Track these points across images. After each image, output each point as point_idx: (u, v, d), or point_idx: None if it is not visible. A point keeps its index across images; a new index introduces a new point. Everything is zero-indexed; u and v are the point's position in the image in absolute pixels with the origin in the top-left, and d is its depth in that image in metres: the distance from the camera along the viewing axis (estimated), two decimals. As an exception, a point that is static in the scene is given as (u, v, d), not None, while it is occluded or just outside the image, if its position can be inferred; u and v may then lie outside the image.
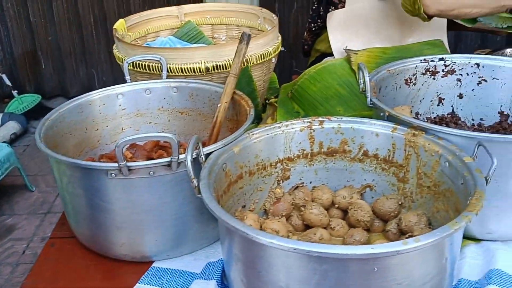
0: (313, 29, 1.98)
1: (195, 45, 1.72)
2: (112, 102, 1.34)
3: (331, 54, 1.86)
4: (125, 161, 0.97)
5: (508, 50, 1.78)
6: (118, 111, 1.36)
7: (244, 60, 1.38)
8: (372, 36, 1.79)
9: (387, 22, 1.65)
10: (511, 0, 1.55)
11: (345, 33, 1.80)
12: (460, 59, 1.41)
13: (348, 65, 1.59)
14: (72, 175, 1.06)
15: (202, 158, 1.00)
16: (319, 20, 1.93)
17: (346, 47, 1.72)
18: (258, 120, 1.52)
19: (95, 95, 1.32)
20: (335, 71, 1.57)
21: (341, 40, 1.81)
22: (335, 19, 1.82)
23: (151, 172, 1.00)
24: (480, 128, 1.42)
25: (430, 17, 1.61)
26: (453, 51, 3.31)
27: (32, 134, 3.27)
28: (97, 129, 1.34)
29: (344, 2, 1.81)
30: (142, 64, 1.41)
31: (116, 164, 0.97)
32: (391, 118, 1.13)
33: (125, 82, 1.39)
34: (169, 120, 1.39)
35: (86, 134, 1.32)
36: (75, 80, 3.37)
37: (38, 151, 2.93)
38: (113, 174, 0.99)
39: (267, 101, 1.62)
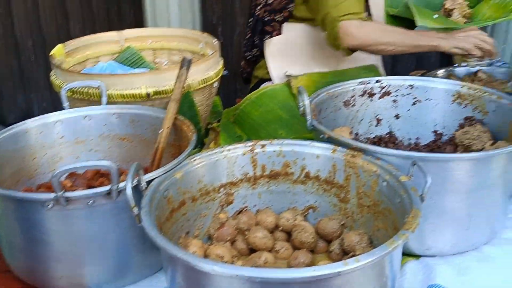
0: (248, 57, 2.01)
1: (136, 70, 1.71)
2: (50, 130, 1.31)
3: (269, 80, 1.89)
4: (63, 191, 0.94)
5: (440, 71, 1.87)
6: (57, 139, 1.32)
7: (185, 85, 1.38)
8: (310, 62, 1.83)
9: (323, 48, 1.71)
10: (443, 41, 1.62)
11: (283, 60, 1.83)
12: (395, 81, 1.46)
13: (288, 89, 1.62)
14: (7, 206, 1.02)
15: (143, 185, 0.98)
16: (254, 49, 1.96)
17: (286, 72, 1.75)
18: (201, 145, 1.52)
19: (32, 123, 1.28)
20: (276, 96, 1.60)
21: (280, 67, 1.84)
22: (272, 46, 1.86)
23: (90, 202, 0.97)
24: (416, 147, 1.48)
25: (352, 50, 1.67)
26: (390, 72, 3.44)
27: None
28: (35, 158, 1.30)
29: (279, 30, 1.85)
30: (81, 91, 1.38)
31: (52, 195, 0.94)
32: (331, 140, 1.16)
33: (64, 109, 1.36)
34: (110, 147, 1.37)
35: (23, 164, 1.27)
36: (13, 106, 3.26)
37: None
38: (50, 205, 0.96)
39: (209, 126, 1.62)
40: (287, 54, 1.83)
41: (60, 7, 3.08)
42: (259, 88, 1.66)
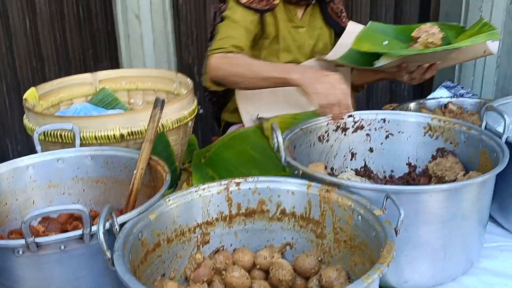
0: (214, 99, 2.02)
1: (111, 111, 1.71)
2: (22, 174, 1.29)
3: (236, 123, 1.89)
4: (33, 236, 0.92)
5: (411, 104, 1.90)
6: (29, 184, 1.30)
7: (160, 125, 1.38)
8: (282, 104, 1.80)
9: (292, 89, 1.70)
10: (300, 78, 1.49)
11: (254, 104, 1.82)
12: (367, 115, 1.48)
13: (260, 131, 1.62)
14: (-25, 255, 0.99)
15: (116, 228, 0.97)
16: (220, 91, 1.89)
17: (258, 115, 1.73)
18: (175, 186, 1.51)
19: (3, 168, 1.26)
20: (248, 138, 1.61)
21: (251, 111, 1.82)
22: (242, 91, 1.83)
23: (62, 247, 0.95)
24: (391, 179, 1.49)
25: (216, 84, 1.69)
26: (365, 107, 3.49)
27: None
28: (6, 204, 1.27)
29: None
30: (54, 133, 1.37)
31: (23, 241, 0.92)
32: (305, 176, 1.16)
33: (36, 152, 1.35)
34: (83, 190, 1.35)
35: (-7, 210, 1.25)
36: (-15, 151, 3.21)
37: None
38: (20, 252, 0.94)
39: (181, 167, 1.61)
40: (258, 99, 1.82)
41: (35, 50, 3.08)
42: (232, 131, 1.67)
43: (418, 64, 1.66)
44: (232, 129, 1.86)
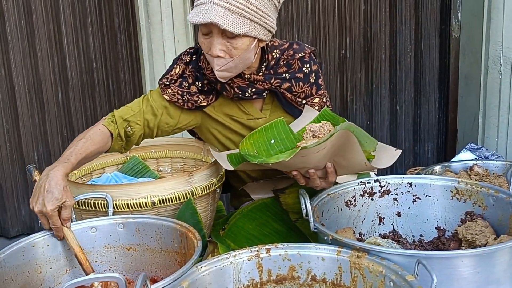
0: None
1: (141, 179, 1.76)
2: (56, 243, 1.32)
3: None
4: (70, 306, 0.94)
5: (437, 167, 1.92)
6: (63, 252, 1.33)
7: (188, 191, 1.42)
8: None
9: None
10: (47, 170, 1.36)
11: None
12: (394, 180, 1.50)
13: (277, 203, 1.60)
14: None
15: (150, 296, 0.98)
16: None
17: (274, 187, 1.66)
18: (202, 256, 1.50)
19: (39, 237, 1.30)
20: (269, 209, 1.60)
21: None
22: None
23: (97, 316, 0.97)
24: (421, 244, 1.48)
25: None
26: (389, 169, 3.49)
27: (-33, 279, 3.09)
28: (40, 272, 1.30)
29: None
30: (87, 202, 1.41)
31: (60, 311, 0.94)
32: (335, 242, 1.17)
33: (70, 221, 1.38)
34: (115, 257, 1.37)
35: (28, 278, 1.27)
36: (16, 219, 3.27)
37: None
38: (57, 321, 0.95)
39: (208, 239, 1.58)
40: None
41: (66, 120, 3.20)
42: (251, 202, 1.66)
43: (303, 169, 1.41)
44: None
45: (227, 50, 1.48)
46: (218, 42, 1.47)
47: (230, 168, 1.47)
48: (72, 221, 1.34)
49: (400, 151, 1.47)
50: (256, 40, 1.51)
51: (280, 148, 1.50)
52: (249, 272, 1.16)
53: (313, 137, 1.45)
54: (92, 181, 1.75)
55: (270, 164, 1.35)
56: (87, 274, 1.22)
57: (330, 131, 1.44)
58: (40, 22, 3.03)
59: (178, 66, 1.66)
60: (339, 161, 1.36)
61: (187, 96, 1.63)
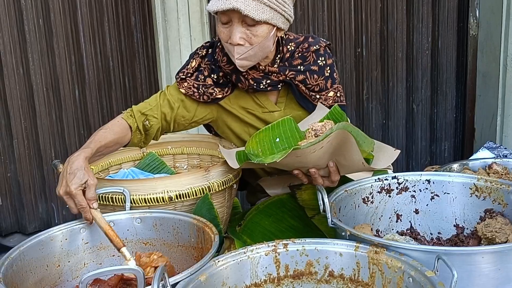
0: None
1: (157, 175, 1.76)
2: (75, 236, 1.33)
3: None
4: (89, 297, 0.95)
5: (455, 166, 1.89)
6: (81, 246, 1.34)
7: (204, 187, 1.42)
8: None
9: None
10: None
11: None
12: (411, 177, 1.48)
13: (294, 200, 1.59)
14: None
15: (168, 289, 0.98)
16: None
17: (290, 183, 1.64)
18: (218, 252, 1.50)
19: (57, 230, 1.31)
20: (285, 205, 1.59)
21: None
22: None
23: (116, 308, 0.97)
24: (439, 241, 1.47)
25: None
26: (405, 167, 3.46)
27: (-14, 274, 3.12)
28: (58, 265, 1.31)
29: None
30: (105, 197, 1.42)
31: (80, 302, 0.95)
32: (352, 237, 1.16)
33: (88, 215, 1.39)
34: (132, 252, 1.37)
35: (47, 271, 1.28)
36: (33, 216, 3.30)
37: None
38: (76, 313, 0.96)
39: (224, 235, 1.57)
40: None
41: (83, 118, 3.22)
42: (267, 198, 1.66)
43: (303, 168, 1.40)
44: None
45: (247, 38, 1.49)
46: (238, 30, 1.48)
47: (236, 166, 1.48)
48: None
49: (399, 151, 1.46)
50: (275, 28, 1.52)
51: (284, 147, 1.50)
52: (266, 267, 1.15)
53: (315, 136, 1.45)
54: (109, 176, 1.76)
55: (266, 164, 1.35)
56: (118, 249, 1.23)
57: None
58: (58, 20, 3.05)
59: (194, 60, 1.68)
60: (340, 160, 1.35)
61: (203, 88, 1.64)
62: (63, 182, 1.32)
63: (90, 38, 3.11)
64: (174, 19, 2.75)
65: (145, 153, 1.85)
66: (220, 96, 1.66)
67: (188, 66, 1.67)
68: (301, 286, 1.17)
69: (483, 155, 2.28)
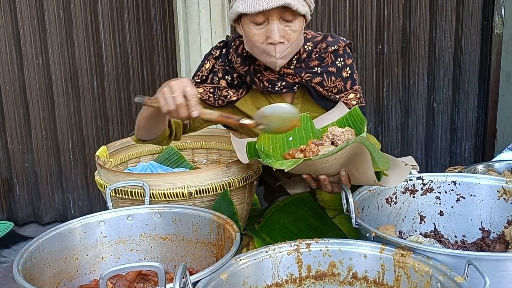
0: None
1: (176, 169, 1.74)
2: (93, 229, 1.31)
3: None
4: (109, 293, 0.93)
5: (479, 167, 1.85)
6: (99, 239, 1.32)
7: (225, 183, 1.40)
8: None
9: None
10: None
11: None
12: (437, 177, 1.45)
13: (313, 198, 1.57)
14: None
15: (189, 287, 0.96)
16: None
17: None
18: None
19: (76, 223, 1.29)
20: (305, 204, 1.56)
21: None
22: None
23: (136, 305, 0.95)
24: (463, 245, 1.43)
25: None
26: (424, 167, 3.40)
27: (1, 263, 3.15)
28: (77, 259, 1.29)
29: None
30: (124, 190, 1.40)
31: (100, 298, 0.93)
32: (377, 239, 1.13)
33: (105, 208, 1.38)
34: (151, 247, 1.36)
35: (65, 264, 1.27)
36: (49, 206, 3.31)
37: (7, 282, 2.79)
38: (95, 309, 0.94)
39: (243, 232, 1.53)
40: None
41: (101, 110, 3.22)
42: (286, 196, 1.62)
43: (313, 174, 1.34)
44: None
45: (286, 35, 1.46)
46: (278, 28, 1.44)
47: (246, 161, 1.43)
48: (108, 209, 1.34)
49: (410, 167, 1.35)
50: (304, 21, 1.49)
51: (296, 147, 1.45)
52: (288, 267, 1.13)
53: (332, 142, 1.40)
54: (128, 169, 1.74)
55: (274, 169, 1.30)
56: (235, 123, 1.28)
57: (349, 140, 1.35)
58: (78, 11, 3.05)
59: (208, 62, 1.65)
60: (352, 171, 1.28)
61: (218, 92, 1.61)
62: (171, 90, 1.25)
63: (109, 29, 3.11)
64: (195, 12, 2.73)
65: (164, 147, 1.83)
66: (234, 98, 1.62)
67: (203, 68, 1.65)
68: (323, 287, 1.15)
69: (506, 156, 2.22)
